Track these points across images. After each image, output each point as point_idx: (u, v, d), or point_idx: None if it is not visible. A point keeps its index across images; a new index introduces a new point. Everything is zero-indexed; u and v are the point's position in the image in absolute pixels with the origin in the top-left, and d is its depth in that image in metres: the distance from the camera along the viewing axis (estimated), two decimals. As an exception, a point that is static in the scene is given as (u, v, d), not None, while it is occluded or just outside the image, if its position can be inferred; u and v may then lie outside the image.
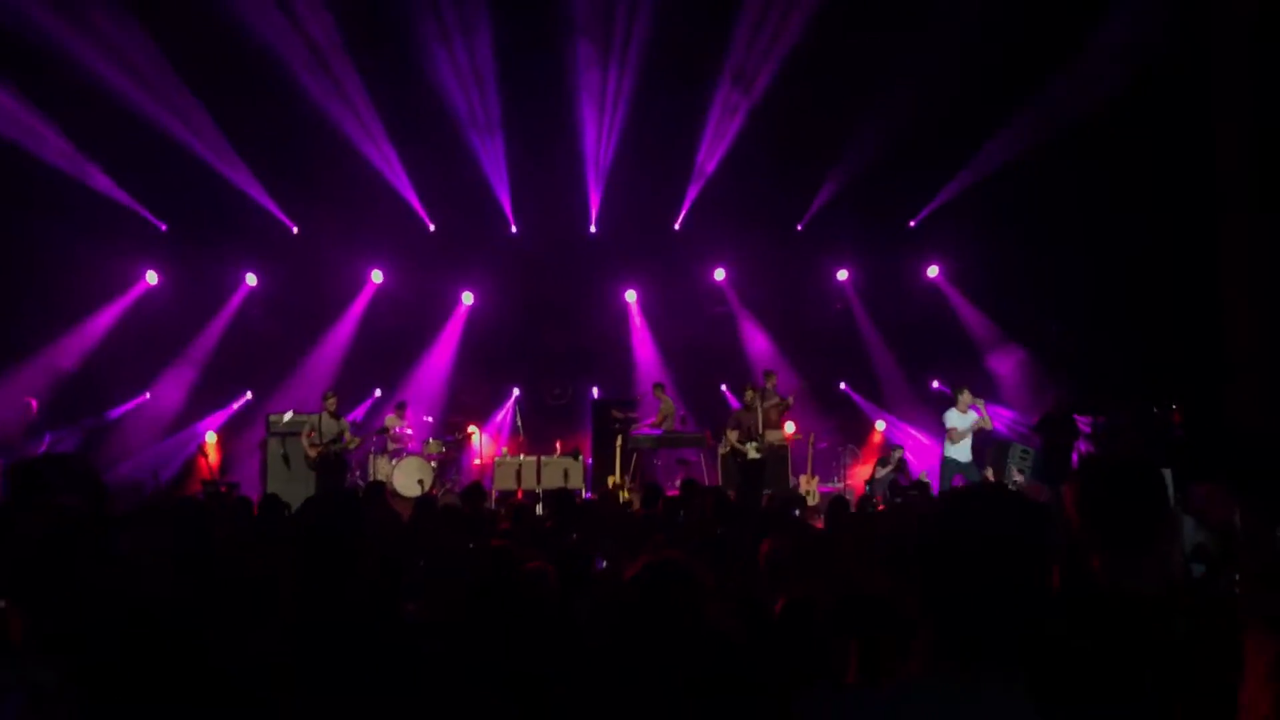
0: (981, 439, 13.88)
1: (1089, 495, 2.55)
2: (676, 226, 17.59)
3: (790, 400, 14.64)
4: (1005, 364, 16.51)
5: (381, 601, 3.98)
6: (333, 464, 13.69)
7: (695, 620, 2.23)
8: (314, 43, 14.14)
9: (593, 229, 17.55)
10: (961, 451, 13.07)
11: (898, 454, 15.50)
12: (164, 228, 16.33)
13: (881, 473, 14.37)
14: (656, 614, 2.22)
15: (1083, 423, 14.14)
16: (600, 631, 2.57)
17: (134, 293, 16.43)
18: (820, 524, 9.14)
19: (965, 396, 13.22)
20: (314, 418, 13.89)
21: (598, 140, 16.23)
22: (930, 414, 14.15)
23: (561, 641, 3.53)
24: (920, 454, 16.32)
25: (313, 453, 13.63)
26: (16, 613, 4.72)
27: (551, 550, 5.64)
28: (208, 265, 16.72)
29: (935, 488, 12.92)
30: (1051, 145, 14.83)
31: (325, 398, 14.08)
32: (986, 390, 15.81)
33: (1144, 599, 2.36)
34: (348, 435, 13.88)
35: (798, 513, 8.03)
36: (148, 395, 16.31)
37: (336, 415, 13.97)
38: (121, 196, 15.48)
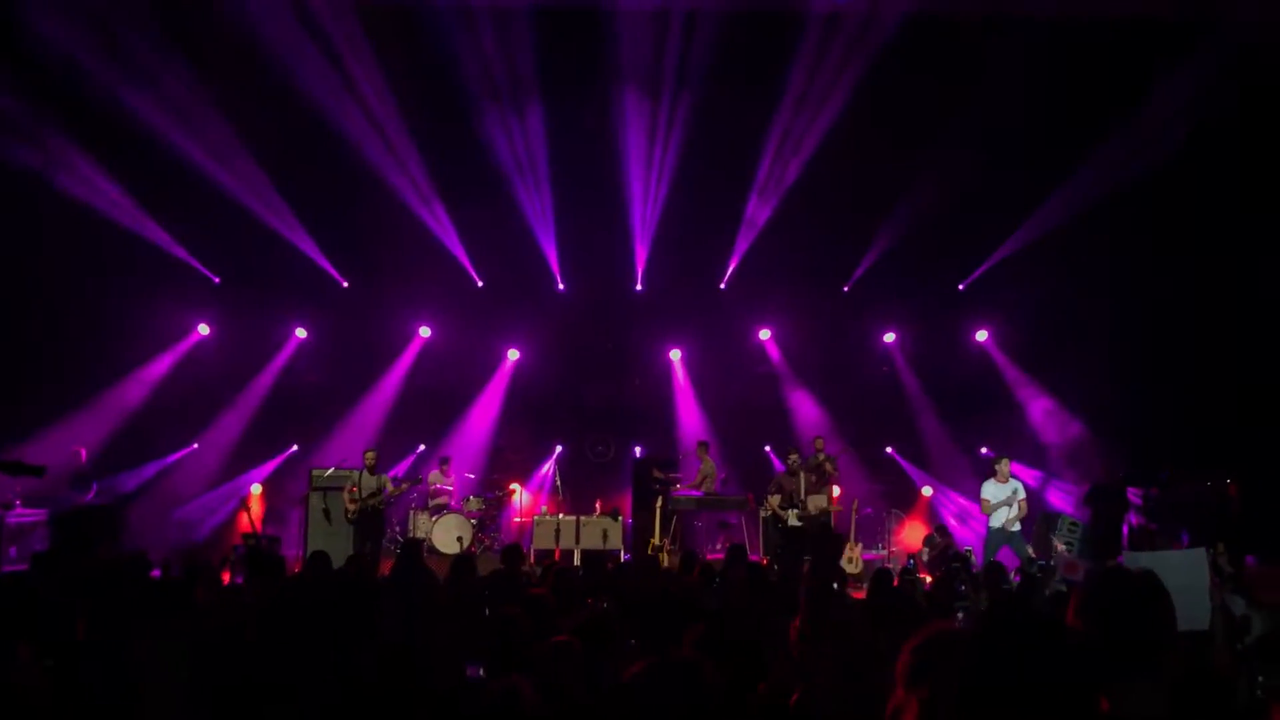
0: (1032, 508, 13.47)
1: (1091, 609, 2.32)
2: (722, 285, 17.55)
3: (831, 468, 14.34)
4: (1052, 428, 16.18)
5: (394, 673, 3.92)
6: (370, 520, 13.70)
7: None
8: (365, 101, 14.40)
9: (638, 286, 17.56)
10: (1007, 522, 12.64)
11: (943, 538, 14.82)
12: (216, 280, 16.59)
13: (927, 554, 14.04)
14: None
15: (1134, 494, 13.77)
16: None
17: (186, 344, 16.68)
18: (861, 594, 8.96)
19: (1004, 466, 12.81)
20: (355, 474, 13.93)
21: (645, 198, 16.26)
22: (978, 481, 13.80)
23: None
24: (967, 522, 15.97)
25: (351, 507, 13.66)
26: (40, 666, 4.69)
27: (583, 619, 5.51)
28: (258, 318, 16.94)
29: (980, 558, 12.60)
30: (1105, 210, 14.64)
31: (365, 454, 14.13)
32: (1034, 457, 15.43)
33: None
34: (390, 488, 13.90)
35: (835, 586, 7.83)
36: (196, 445, 16.44)
37: (375, 471, 13.99)
38: (176, 249, 15.77)
